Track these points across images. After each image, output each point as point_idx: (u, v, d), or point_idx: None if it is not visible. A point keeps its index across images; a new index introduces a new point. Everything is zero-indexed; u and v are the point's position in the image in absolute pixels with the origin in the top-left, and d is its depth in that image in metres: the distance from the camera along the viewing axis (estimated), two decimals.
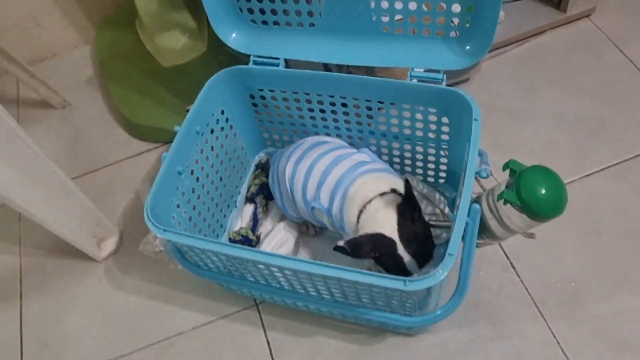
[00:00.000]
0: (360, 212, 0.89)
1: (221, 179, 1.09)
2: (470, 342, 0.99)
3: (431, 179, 1.12)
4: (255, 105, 1.10)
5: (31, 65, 1.48)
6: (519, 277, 1.04)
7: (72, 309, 1.16)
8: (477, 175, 0.82)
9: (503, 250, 1.07)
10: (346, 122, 1.06)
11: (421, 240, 0.87)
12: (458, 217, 0.77)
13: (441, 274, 0.73)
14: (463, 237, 0.79)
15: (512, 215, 0.78)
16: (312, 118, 1.08)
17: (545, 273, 1.04)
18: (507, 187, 0.79)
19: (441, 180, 1.12)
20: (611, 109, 1.22)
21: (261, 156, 1.23)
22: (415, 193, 1.10)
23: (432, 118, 0.97)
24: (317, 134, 1.12)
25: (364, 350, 1.01)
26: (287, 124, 1.12)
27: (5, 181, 0.93)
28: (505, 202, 0.77)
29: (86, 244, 1.17)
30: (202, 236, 0.87)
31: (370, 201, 0.89)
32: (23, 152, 0.95)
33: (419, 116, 0.98)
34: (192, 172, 0.99)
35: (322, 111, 1.05)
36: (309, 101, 1.04)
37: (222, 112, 1.06)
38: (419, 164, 1.09)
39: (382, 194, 0.89)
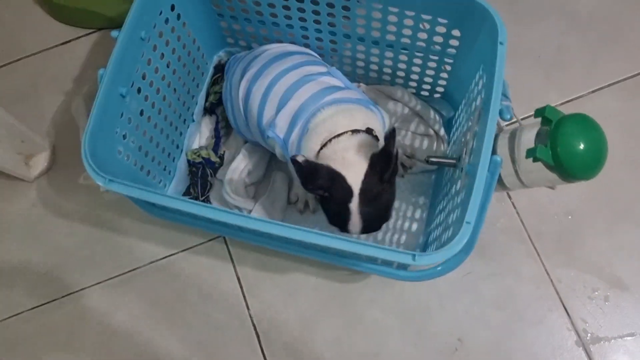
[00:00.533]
0: (324, 145, 0.73)
1: (175, 91, 0.89)
2: (461, 280, 0.91)
3: (425, 93, 0.96)
4: None
5: None
6: (515, 208, 0.95)
7: (10, 241, 0.99)
8: (502, 119, 0.67)
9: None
10: (331, 24, 0.85)
11: (381, 206, 0.72)
12: (478, 174, 0.63)
13: (456, 247, 0.62)
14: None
15: (536, 171, 0.65)
16: (287, 17, 0.86)
17: (542, 204, 0.94)
18: (537, 137, 0.65)
19: (437, 95, 0.96)
20: (631, 11, 1.05)
21: (221, 56, 1.01)
22: (406, 110, 0.95)
23: (440, 29, 0.79)
24: (292, 35, 0.91)
25: (346, 288, 0.92)
26: (255, 21, 0.90)
27: None
28: (535, 160, 0.64)
29: (10, 163, 0.97)
30: (150, 180, 0.70)
31: (338, 136, 0.72)
32: None
33: (424, 25, 0.79)
34: (139, 91, 0.79)
35: (301, 10, 0.83)
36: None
37: (172, 8, 0.82)
38: (414, 76, 0.92)
39: (355, 132, 0.73)
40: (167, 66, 0.85)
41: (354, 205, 0.70)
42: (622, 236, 0.92)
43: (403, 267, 0.78)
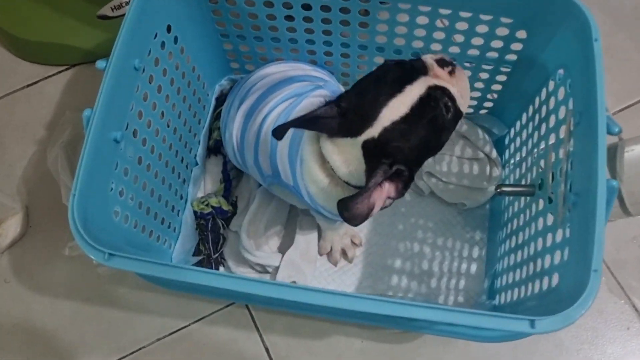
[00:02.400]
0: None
1: (175, 131, 0.73)
2: None
3: (470, 110, 0.82)
4: (217, 13, 0.71)
5: None
6: None
7: None
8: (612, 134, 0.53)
9: None
10: (343, 34, 0.71)
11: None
12: (598, 207, 0.49)
13: (585, 303, 0.47)
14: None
15: None
16: (309, 31, 0.71)
17: (616, 226, 0.80)
18: None
19: (483, 111, 0.82)
20: None
21: (223, 85, 0.85)
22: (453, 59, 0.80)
23: (502, 32, 0.65)
24: (312, 53, 0.76)
25: (399, 349, 0.76)
26: (268, 39, 0.75)
27: None
28: None
29: None
30: (154, 243, 0.55)
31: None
32: None
33: (480, 29, 0.65)
34: (134, 134, 0.62)
35: (327, 21, 0.69)
36: (307, 7, 0.67)
37: (169, 29, 0.67)
38: None
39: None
40: (166, 101, 0.69)
41: None
42: None
43: None
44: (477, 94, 0.77)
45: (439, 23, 0.66)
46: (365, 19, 0.67)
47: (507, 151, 0.80)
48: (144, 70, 0.62)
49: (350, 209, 0.49)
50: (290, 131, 0.59)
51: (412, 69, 0.53)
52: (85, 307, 0.80)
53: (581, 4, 0.56)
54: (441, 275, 0.78)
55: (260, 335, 0.78)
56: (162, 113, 0.68)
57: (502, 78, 0.73)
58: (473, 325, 0.47)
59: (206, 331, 0.79)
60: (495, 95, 0.77)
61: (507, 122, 0.79)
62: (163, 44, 0.66)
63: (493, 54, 0.69)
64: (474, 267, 0.78)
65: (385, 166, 0.51)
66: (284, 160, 0.61)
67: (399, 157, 0.51)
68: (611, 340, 0.76)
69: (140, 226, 0.65)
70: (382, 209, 0.52)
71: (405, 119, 0.52)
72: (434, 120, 0.52)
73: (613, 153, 0.56)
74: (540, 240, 0.61)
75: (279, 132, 0.54)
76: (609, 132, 0.54)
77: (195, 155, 0.81)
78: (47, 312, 0.80)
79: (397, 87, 0.52)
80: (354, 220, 0.50)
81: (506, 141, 0.80)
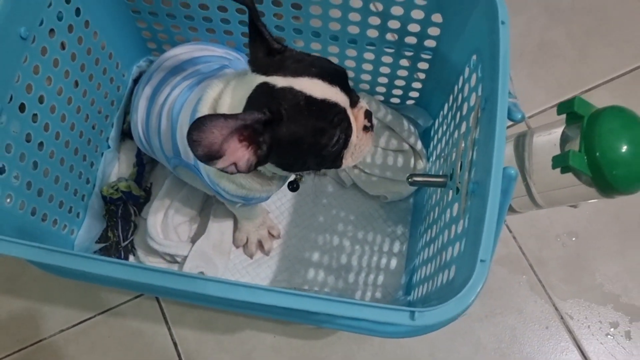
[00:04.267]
0: None
1: (79, 110, 0.68)
2: (453, 324, 0.73)
3: (396, 100, 0.80)
4: None
5: None
6: (511, 232, 0.79)
7: None
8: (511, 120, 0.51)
9: None
10: (277, 15, 0.68)
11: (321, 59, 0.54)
12: (490, 194, 0.46)
13: (470, 294, 0.44)
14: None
15: (561, 186, 0.49)
16: (223, 9, 0.68)
17: (542, 226, 0.80)
18: (563, 142, 0.49)
19: (410, 102, 0.79)
20: (615, 1, 0.93)
21: (142, 66, 0.81)
22: (375, 121, 0.78)
23: (417, 14, 0.62)
24: (229, 33, 0.73)
25: (312, 346, 0.73)
26: (181, 17, 0.71)
27: None
28: (564, 170, 0.47)
29: None
30: (48, 228, 0.50)
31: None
32: None
33: (395, 11, 0.63)
34: (22, 109, 0.58)
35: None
36: None
37: (78, 11, 0.63)
38: (382, 79, 0.76)
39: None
40: (65, 77, 0.64)
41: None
42: (636, 257, 0.78)
43: None
44: (402, 83, 0.75)
45: (375, 6, 0.63)
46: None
47: (431, 143, 0.77)
48: (34, 40, 0.58)
49: (202, 130, 0.44)
50: (190, 105, 0.56)
51: (350, 92, 0.52)
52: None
53: None
54: (360, 270, 0.75)
55: (169, 329, 0.74)
56: (60, 89, 0.64)
57: (424, 66, 0.70)
58: (351, 316, 0.44)
59: (112, 323, 0.74)
60: (420, 85, 0.75)
61: (433, 113, 0.77)
62: (61, 15, 0.62)
63: (412, 39, 0.66)
64: (393, 263, 0.76)
65: (262, 114, 0.47)
66: (184, 138, 0.58)
67: (274, 123, 0.48)
68: (529, 339, 0.74)
69: (29, 208, 0.60)
70: (222, 170, 0.48)
71: (309, 101, 0.49)
72: (323, 132, 0.49)
73: (522, 141, 0.54)
74: (446, 232, 0.58)
75: None
76: (511, 119, 0.51)
77: (108, 139, 0.77)
78: None
79: (329, 80, 0.49)
80: (197, 146, 0.44)
81: (432, 133, 0.78)
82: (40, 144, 0.62)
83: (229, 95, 0.53)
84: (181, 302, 0.75)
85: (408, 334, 0.61)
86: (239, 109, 0.50)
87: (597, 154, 0.45)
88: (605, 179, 0.45)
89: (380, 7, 0.62)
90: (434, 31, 0.64)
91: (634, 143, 0.45)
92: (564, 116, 0.53)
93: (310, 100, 0.49)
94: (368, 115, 0.54)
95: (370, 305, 0.44)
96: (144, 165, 0.77)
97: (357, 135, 0.53)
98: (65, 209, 0.68)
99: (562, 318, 0.75)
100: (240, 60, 0.67)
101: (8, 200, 0.57)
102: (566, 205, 0.54)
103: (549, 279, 0.77)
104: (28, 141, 0.60)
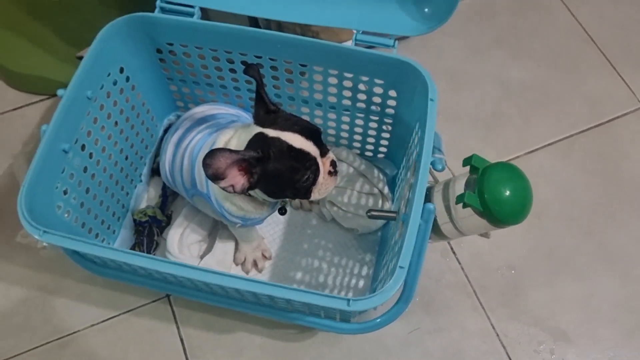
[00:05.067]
0: None
1: (121, 151, 0.90)
2: (407, 336, 0.91)
3: (369, 153, 1.00)
4: (163, 61, 0.90)
5: None
6: (459, 263, 0.97)
7: None
8: (433, 168, 0.70)
9: None
10: (275, 87, 0.90)
11: (300, 120, 0.73)
12: (411, 220, 0.65)
13: (390, 291, 0.62)
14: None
15: (468, 217, 0.68)
16: (235, 80, 0.90)
17: (486, 260, 0.97)
18: (466, 185, 0.68)
19: (380, 155, 1.00)
20: (557, 79, 1.14)
21: (171, 119, 1.03)
22: (351, 170, 0.98)
23: (378, 90, 0.83)
24: (239, 97, 0.95)
25: (292, 347, 0.90)
26: (204, 84, 0.94)
27: None
28: (464, 206, 0.66)
29: None
30: (92, 238, 0.71)
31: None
32: None
33: (362, 87, 0.84)
34: (82, 148, 0.79)
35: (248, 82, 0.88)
36: (230, 60, 0.86)
37: (121, 70, 0.85)
38: (357, 137, 0.96)
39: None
40: (115, 125, 0.86)
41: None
42: (562, 288, 0.94)
43: (345, 319, 0.77)
44: (372, 140, 0.95)
45: (332, 80, 0.84)
46: (291, 76, 0.86)
47: (396, 188, 0.97)
48: (96, 100, 0.80)
49: (214, 157, 0.64)
50: (208, 145, 0.77)
51: (321, 145, 0.71)
52: (32, 293, 0.94)
53: (422, 70, 0.74)
54: (333, 288, 0.93)
55: (178, 328, 0.92)
56: (110, 135, 0.85)
57: (388, 127, 0.91)
58: (306, 301, 0.62)
59: (132, 321, 0.93)
60: (386, 142, 0.95)
61: (397, 164, 0.97)
62: (115, 82, 0.84)
63: (376, 108, 0.87)
64: (361, 283, 0.93)
65: (257, 153, 0.67)
66: (200, 169, 0.78)
67: (264, 161, 0.68)
68: (469, 352, 0.90)
69: (80, 222, 0.81)
70: (223, 189, 0.68)
71: (290, 149, 0.68)
72: (297, 171, 0.69)
73: (448, 185, 0.73)
74: (391, 253, 0.77)
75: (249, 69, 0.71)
76: (435, 169, 0.71)
77: (141, 175, 0.98)
78: (0, 296, 0.95)
79: (306, 136, 0.69)
80: (208, 168, 0.64)
81: (397, 180, 0.97)
82: (93, 175, 0.83)
83: (236, 138, 0.73)
84: (189, 305, 0.93)
85: (361, 330, 0.78)
86: (241, 148, 0.70)
87: (485, 195, 0.64)
88: (491, 213, 0.64)
89: (350, 84, 0.83)
90: (391, 102, 0.84)
91: (512, 188, 0.64)
92: None
93: (291, 148, 0.69)
94: (333, 164, 0.74)
95: (315, 293, 0.62)
96: (167, 196, 0.98)
97: (323, 176, 0.72)
98: (105, 226, 0.88)
99: (497, 335, 0.91)
100: (246, 118, 0.88)
101: (67, 215, 0.78)
102: (477, 234, 0.73)
103: (489, 303, 0.93)
104: (84, 172, 0.81)
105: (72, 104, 0.75)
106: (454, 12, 0.72)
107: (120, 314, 0.93)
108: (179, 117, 1.02)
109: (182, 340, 0.91)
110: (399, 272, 0.63)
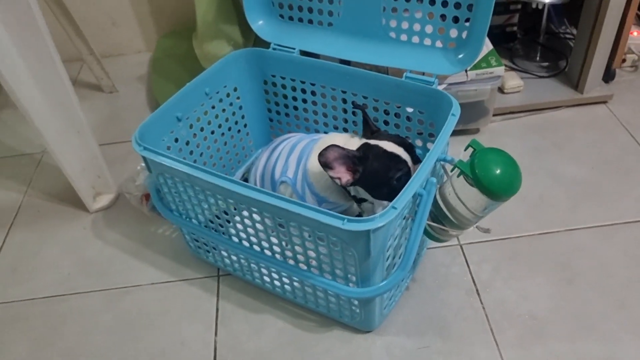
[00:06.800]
0: None
1: (218, 150, 1.16)
2: (416, 351, 0.94)
3: None
4: (266, 92, 1.19)
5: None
6: (482, 303, 1.00)
7: (51, 245, 1.20)
8: (443, 162, 0.85)
9: (472, 276, 1.05)
10: (344, 120, 1.13)
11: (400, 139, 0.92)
12: (418, 172, 0.79)
13: (380, 220, 0.74)
14: (416, 211, 0.81)
15: (465, 189, 0.79)
16: (314, 112, 1.16)
17: (509, 306, 1.00)
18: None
19: None
20: (610, 181, 1.22)
21: (263, 150, 1.29)
22: None
23: (421, 121, 1.02)
24: (317, 132, 1.19)
25: (306, 337, 0.98)
26: (292, 116, 1.20)
27: (35, 107, 1.06)
28: (459, 174, 0.79)
29: (84, 191, 1.24)
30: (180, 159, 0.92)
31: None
32: (58, 91, 1.08)
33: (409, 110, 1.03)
34: (190, 126, 1.07)
35: (324, 105, 1.13)
36: (313, 93, 1.12)
37: (235, 89, 1.16)
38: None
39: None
40: (219, 127, 1.14)
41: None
42: (583, 346, 0.93)
43: (349, 281, 0.86)
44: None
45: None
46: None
47: None
48: (210, 98, 1.09)
49: (328, 150, 0.84)
50: (324, 143, 0.93)
51: (413, 154, 0.90)
52: (120, 253, 1.16)
53: (452, 97, 0.92)
54: None
55: (217, 300, 1.06)
56: (213, 131, 1.13)
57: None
58: (308, 216, 0.76)
59: (184, 287, 1.09)
60: None
61: None
62: (229, 94, 1.14)
63: (420, 143, 1.05)
64: None
65: (360, 153, 0.88)
66: (310, 159, 0.97)
67: (365, 160, 0.87)
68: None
69: None
70: (332, 178, 0.87)
71: (385, 152, 0.88)
72: (389, 170, 0.87)
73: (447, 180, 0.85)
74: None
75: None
76: (447, 161, 0.85)
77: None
78: (98, 250, 1.18)
79: (399, 144, 0.89)
80: (322, 157, 0.84)
81: None
82: (191, 152, 1.08)
83: (350, 143, 0.93)
84: (232, 285, 1.07)
85: (364, 293, 0.85)
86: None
87: (476, 167, 0.76)
88: (479, 180, 0.76)
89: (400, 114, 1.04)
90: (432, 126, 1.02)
91: (498, 161, 0.76)
92: None
93: (386, 151, 0.88)
94: (417, 160, 0.90)
95: (317, 210, 0.76)
96: None
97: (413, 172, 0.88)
98: None
99: None
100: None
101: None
102: (474, 225, 0.82)
103: (504, 341, 0.94)
104: (186, 144, 1.07)
105: (192, 91, 1.05)
106: (477, 59, 0.93)
107: (176, 281, 1.10)
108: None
109: (217, 310, 1.04)
110: (389, 211, 0.75)
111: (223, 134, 1.16)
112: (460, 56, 0.97)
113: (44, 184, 1.36)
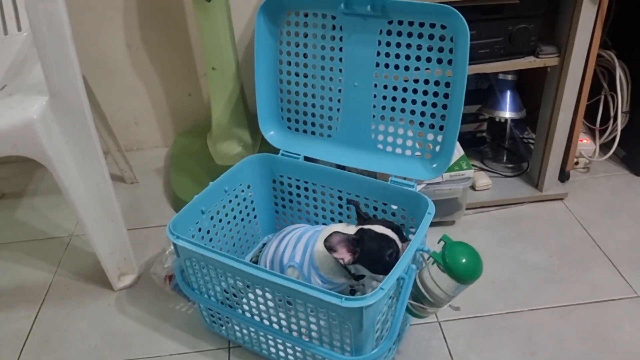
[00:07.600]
0: None
1: (232, 237, 1.36)
2: None
3: None
4: (274, 189, 1.42)
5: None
6: None
7: (79, 320, 1.36)
8: (422, 252, 1.06)
9: (449, 350, 1.22)
10: (339, 213, 1.34)
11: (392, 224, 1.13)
12: (401, 260, 0.99)
13: (374, 297, 0.93)
14: (400, 292, 1.00)
15: (439, 274, 0.99)
16: (315, 207, 1.37)
17: None
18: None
19: None
20: (567, 267, 1.42)
21: (269, 237, 1.49)
22: None
23: (404, 216, 1.24)
24: (317, 223, 1.40)
25: None
26: (295, 210, 1.41)
27: (80, 198, 1.27)
28: (433, 262, 0.99)
29: (111, 271, 1.41)
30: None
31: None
32: (100, 184, 1.29)
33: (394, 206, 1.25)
34: (211, 218, 1.27)
35: (323, 201, 1.35)
36: (314, 191, 1.34)
37: (249, 187, 1.38)
38: None
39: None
40: (234, 218, 1.34)
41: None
42: None
43: (345, 350, 1.03)
44: None
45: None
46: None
47: None
48: (228, 194, 1.31)
49: (332, 236, 1.04)
50: (328, 231, 1.14)
51: (400, 235, 1.11)
52: (142, 327, 1.32)
53: (428, 199, 1.15)
54: None
55: None
56: (229, 222, 1.33)
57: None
58: (309, 294, 0.94)
59: (199, 358, 1.24)
60: None
61: None
62: (243, 191, 1.36)
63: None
64: None
65: (357, 236, 1.08)
66: (317, 245, 1.17)
67: (362, 242, 1.08)
68: None
69: None
70: (336, 259, 1.07)
71: (377, 233, 1.09)
72: (382, 248, 1.07)
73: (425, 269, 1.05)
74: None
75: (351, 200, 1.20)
76: (424, 251, 1.06)
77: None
78: (122, 324, 1.34)
79: (387, 226, 1.10)
80: (326, 242, 1.03)
81: None
82: (210, 240, 1.28)
83: (348, 230, 1.13)
84: (242, 354, 1.23)
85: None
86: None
87: (446, 256, 0.97)
88: (447, 266, 0.96)
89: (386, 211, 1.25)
90: (413, 229, 1.24)
91: (463, 252, 0.97)
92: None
93: (377, 233, 1.09)
94: (404, 239, 1.11)
95: (319, 289, 0.95)
96: None
97: (401, 250, 1.08)
98: None
99: None
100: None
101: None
102: (447, 292, 1.01)
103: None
104: (207, 233, 1.27)
105: (214, 189, 1.27)
106: (447, 167, 1.16)
107: (191, 352, 1.26)
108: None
109: None
110: (378, 291, 0.94)
111: (237, 223, 1.36)
112: (434, 165, 1.21)
113: (72, 264, 1.54)
